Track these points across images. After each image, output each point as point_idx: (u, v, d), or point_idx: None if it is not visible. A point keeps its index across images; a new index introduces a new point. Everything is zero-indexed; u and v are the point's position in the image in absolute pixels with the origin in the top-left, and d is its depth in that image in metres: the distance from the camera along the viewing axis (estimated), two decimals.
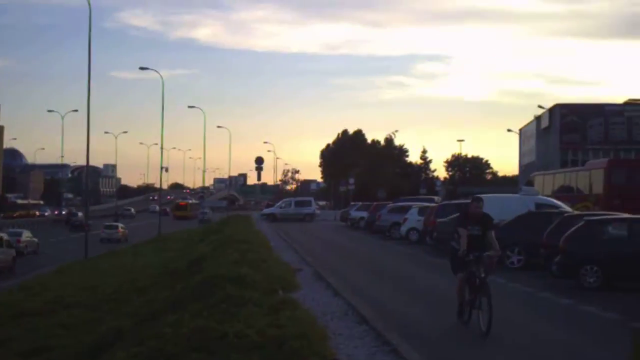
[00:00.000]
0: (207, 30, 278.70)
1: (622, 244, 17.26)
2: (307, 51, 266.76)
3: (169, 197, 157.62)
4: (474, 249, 11.06)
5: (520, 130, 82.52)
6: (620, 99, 67.86)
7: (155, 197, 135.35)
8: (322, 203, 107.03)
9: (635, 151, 63.89)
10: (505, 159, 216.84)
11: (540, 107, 69.36)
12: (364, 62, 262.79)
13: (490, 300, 10.48)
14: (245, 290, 12.59)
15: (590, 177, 34.47)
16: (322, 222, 59.47)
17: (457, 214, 14.97)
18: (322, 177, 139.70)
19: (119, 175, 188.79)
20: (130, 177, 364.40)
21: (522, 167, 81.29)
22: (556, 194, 34.06)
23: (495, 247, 11.18)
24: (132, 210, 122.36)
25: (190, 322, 10.05)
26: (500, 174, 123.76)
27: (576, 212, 23.23)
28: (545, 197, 29.42)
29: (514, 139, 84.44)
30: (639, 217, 18.62)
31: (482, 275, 10.94)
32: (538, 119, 72.92)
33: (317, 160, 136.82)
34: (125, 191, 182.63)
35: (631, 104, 66.84)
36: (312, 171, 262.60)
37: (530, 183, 41.21)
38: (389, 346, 9.51)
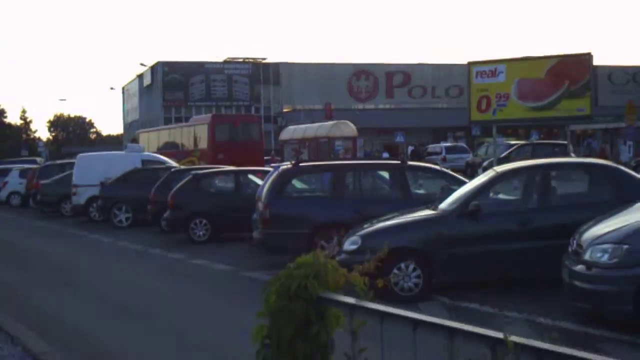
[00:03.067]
0: None
1: (229, 197, 17.58)
2: None
3: None
4: None
5: (123, 88, 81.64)
6: (221, 57, 70.46)
7: None
8: None
9: (236, 107, 66.93)
10: (109, 118, 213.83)
11: (142, 64, 69.29)
12: None
13: None
14: None
15: (194, 132, 35.09)
16: None
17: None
18: None
19: None
20: None
21: (126, 125, 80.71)
22: (161, 151, 34.06)
23: None
24: None
25: None
26: (105, 133, 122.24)
27: (182, 167, 23.28)
28: (151, 154, 29.15)
29: (118, 97, 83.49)
30: (243, 169, 19.09)
31: None
32: (140, 76, 72.68)
33: None
34: None
35: (230, 62, 69.67)
36: None
37: (135, 141, 40.85)
38: None
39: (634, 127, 33.61)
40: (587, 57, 25.63)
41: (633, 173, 10.27)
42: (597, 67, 54.51)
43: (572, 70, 25.27)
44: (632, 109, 33.64)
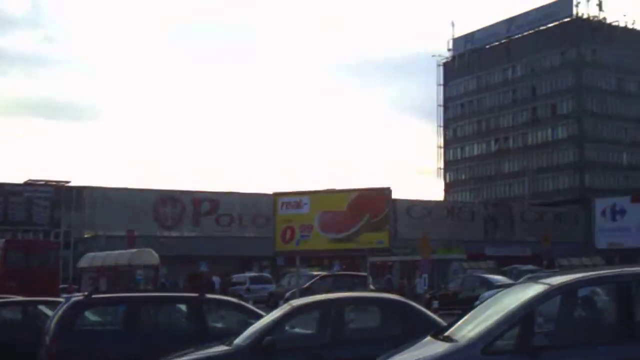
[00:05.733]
0: None
1: (15, 330, 16.27)
2: None
3: None
4: None
5: None
6: (21, 179, 67.74)
7: None
8: None
9: (34, 232, 63.81)
10: None
11: None
12: None
13: None
14: None
15: None
16: None
17: None
18: None
19: None
20: None
21: None
22: None
23: None
24: None
25: None
26: None
27: None
28: None
29: None
30: (33, 300, 17.87)
31: None
32: None
33: None
34: None
35: (31, 185, 66.91)
36: None
37: None
38: None
39: (428, 260, 35.32)
40: (387, 191, 26.87)
41: (423, 308, 10.61)
42: (396, 200, 57.49)
43: (372, 204, 26.31)
44: (427, 243, 35.46)
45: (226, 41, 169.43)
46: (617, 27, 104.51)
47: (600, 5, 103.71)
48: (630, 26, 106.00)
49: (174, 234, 65.02)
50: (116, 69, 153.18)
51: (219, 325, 12.88)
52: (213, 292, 34.70)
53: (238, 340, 9.60)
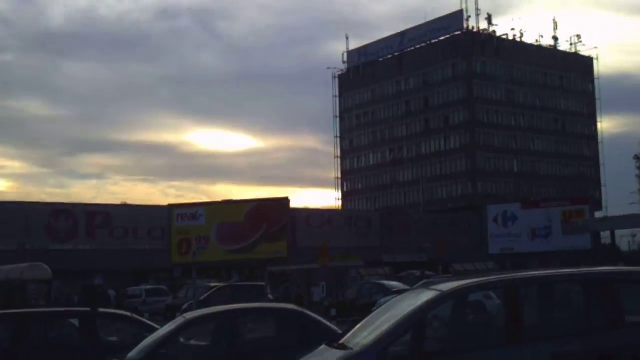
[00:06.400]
0: None
1: None
2: None
3: None
4: None
5: None
6: None
7: None
8: None
9: None
10: None
11: None
12: None
13: None
14: None
15: None
16: None
17: None
18: None
19: None
20: None
21: None
22: None
23: None
24: None
25: None
26: None
27: None
28: None
29: None
30: None
31: None
32: None
33: None
34: None
35: None
36: None
37: None
38: None
39: (326, 268, 35.49)
40: (285, 201, 26.95)
41: (319, 317, 10.64)
42: (295, 210, 57.63)
43: (271, 214, 26.36)
44: (325, 251, 35.60)
45: None
46: (506, 40, 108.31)
47: (489, 19, 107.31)
48: (518, 39, 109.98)
49: (68, 247, 63.14)
50: None
51: (113, 339, 12.60)
52: (108, 305, 33.92)
53: (131, 354, 9.40)
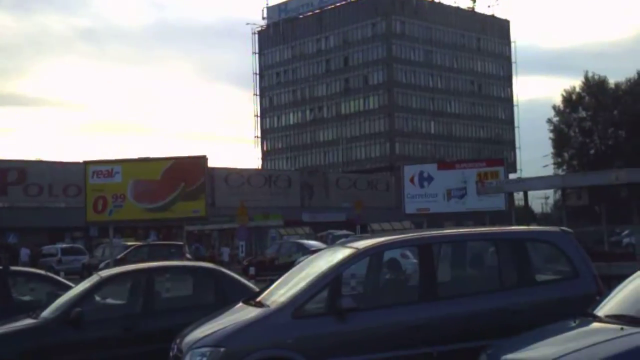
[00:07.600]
0: None
1: None
2: None
3: None
4: None
5: None
6: None
7: None
8: None
9: None
10: None
11: None
12: None
13: None
14: None
15: None
16: None
17: None
18: None
19: None
20: None
21: None
22: None
23: None
24: None
25: None
26: None
27: None
28: None
29: None
30: None
31: None
32: None
33: None
34: None
35: None
36: None
37: None
38: None
39: (245, 227, 35.51)
40: (202, 159, 26.56)
41: (236, 275, 10.67)
42: (213, 169, 57.18)
43: (188, 172, 25.95)
44: (244, 210, 35.58)
45: None
46: (425, 1, 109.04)
47: None
48: (437, 0, 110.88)
49: None
50: None
51: (26, 298, 12.39)
52: (21, 264, 33.19)
53: (45, 313, 9.27)
